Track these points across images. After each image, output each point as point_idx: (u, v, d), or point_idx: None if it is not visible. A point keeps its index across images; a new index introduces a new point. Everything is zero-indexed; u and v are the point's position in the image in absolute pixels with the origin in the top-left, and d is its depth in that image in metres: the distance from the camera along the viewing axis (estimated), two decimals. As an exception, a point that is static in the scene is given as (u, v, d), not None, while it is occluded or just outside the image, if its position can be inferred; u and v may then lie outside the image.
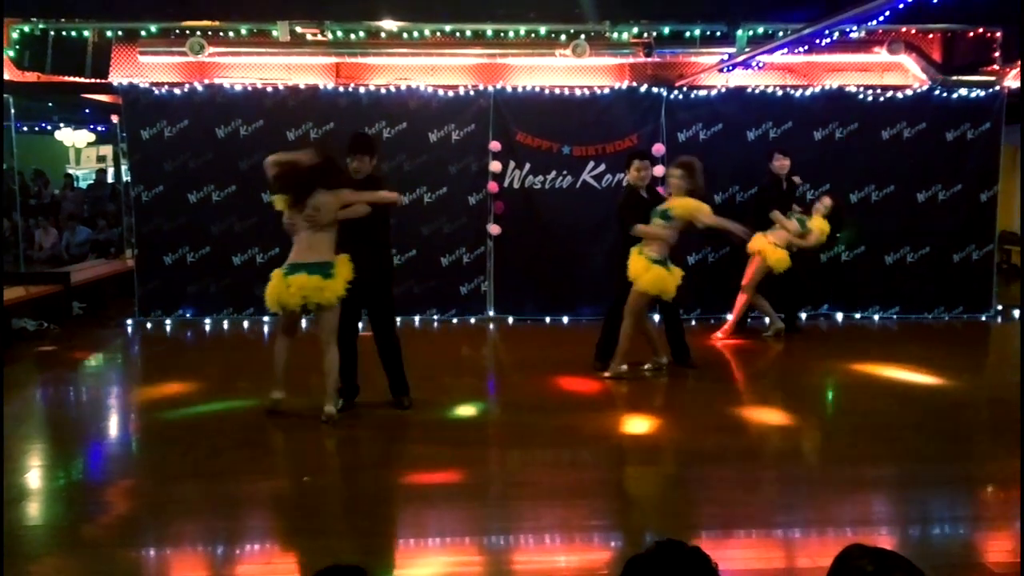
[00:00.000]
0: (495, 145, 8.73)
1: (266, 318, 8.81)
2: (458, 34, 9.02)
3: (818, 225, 7.94)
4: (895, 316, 9.06)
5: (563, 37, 8.94)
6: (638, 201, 6.59)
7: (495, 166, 8.74)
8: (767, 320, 8.11)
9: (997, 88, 8.88)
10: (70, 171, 17.75)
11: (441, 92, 8.72)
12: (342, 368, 5.61)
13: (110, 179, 16.49)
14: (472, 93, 8.74)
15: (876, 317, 9.05)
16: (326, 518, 4.22)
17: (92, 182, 16.97)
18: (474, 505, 4.30)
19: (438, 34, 9.05)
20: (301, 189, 5.29)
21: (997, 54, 9.19)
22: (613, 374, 6.54)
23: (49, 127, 16.49)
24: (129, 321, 8.87)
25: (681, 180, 6.42)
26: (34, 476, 4.67)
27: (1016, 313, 9.27)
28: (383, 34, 9.01)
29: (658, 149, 8.66)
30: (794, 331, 8.22)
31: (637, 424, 5.57)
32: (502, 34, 9.02)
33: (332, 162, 5.45)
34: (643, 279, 6.27)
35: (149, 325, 8.78)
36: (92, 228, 13.44)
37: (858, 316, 9.05)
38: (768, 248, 7.78)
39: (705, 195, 6.54)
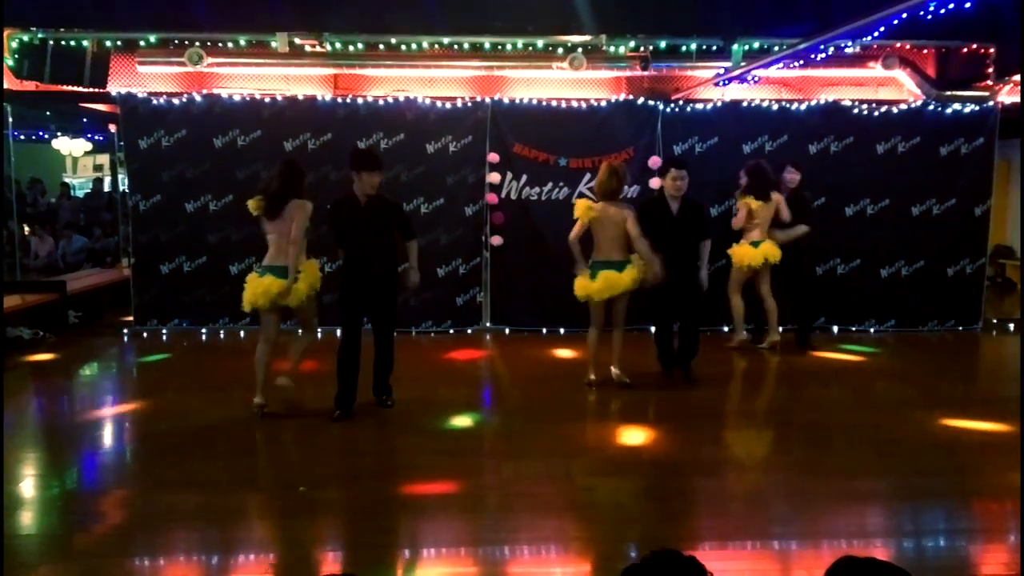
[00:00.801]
0: (493, 157, 8.76)
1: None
2: (456, 46, 9.09)
3: (740, 200, 7.82)
4: (891, 329, 9.10)
5: (560, 50, 9.01)
6: (656, 209, 6.64)
7: (493, 177, 8.77)
8: (765, 329, 8.13)
9: (991, 103, 8.95)
10: (67, 180, 17.76)
11: (439, 104, 8.76)
12: (343, 377, 5.80)
13: (107, 188, 16.49)
14: (470, 105, 8.78)
15: (872, 330, 9.08)
16: (322, 528, 4.21)
17: (89, 191, 16.98)
18: (470, 516, 4.30)
19: (436, 46, 9.11)
20: (275, 200, 5.64)
21: (991, 70, 9.27)
22: (587, 381, 6.71)
23: (46, 136, 16.48)
24: (125, 330, 8.87)
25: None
26: (28, 485, 4.66)
27: (1010, 326, 9.34)
28: (381, 46, 9.06)
29: (655, 162, 8.70)
30: (806, 346, 8.17)
31: (633, 435, 5.58)
32: (500, 47, 9.08)
33: (295, 166, 5.82)
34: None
35: (145, 334, 8.77)
36: (88, 237, 13.44)
37: (854, 329, 9.08)
38: (734, 251, 7.84)
39: (624, 196, 6.65)
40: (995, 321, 9.39)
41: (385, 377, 6.07)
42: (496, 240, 8.83)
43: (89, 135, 16.43)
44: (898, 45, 9.19)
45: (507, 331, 8.98)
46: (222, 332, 8.86)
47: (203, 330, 8.87)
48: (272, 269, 5.63)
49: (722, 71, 8.87)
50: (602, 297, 6.38)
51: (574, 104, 8.81)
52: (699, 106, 8.91)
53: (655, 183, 8.67)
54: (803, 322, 8.29)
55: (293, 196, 5.64)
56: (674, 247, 6.51)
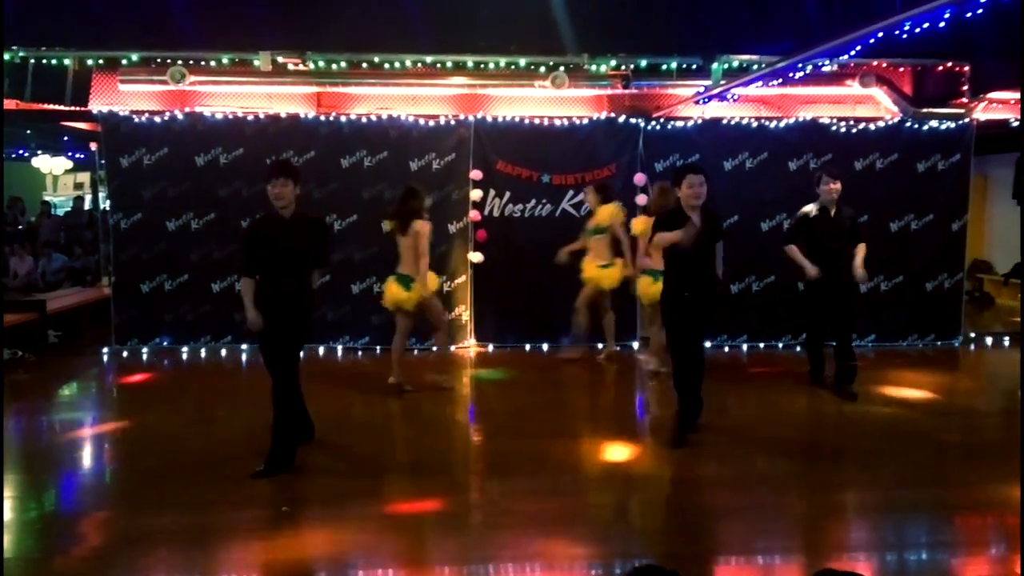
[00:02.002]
0: (476, 174, 8.80)
1: (244, 346, 8.78)
2: (439, 65, 9.13)
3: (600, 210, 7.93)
4: (871, 344, 9.17)
5: (543, 69, 9.07)
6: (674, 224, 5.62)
7: (475, 194, 8.80)
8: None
9: (967, 120, 9.10)
10: (47, 198, 17.62)
11: (422, 122, 8.79)
12: (288, 412, 5.17)
13: (87, 206, 16.38)
14: (453, 123, 8.82)
15: (853, 345, 9.11)
16: (305, 549, 4.18)
17: (69, 209, 16.85)
18: (454, 534, 4.28)
19: (419, 65, 9.15)
20: (401, 220, 6.72)
21: (965, 87, 9.43)
22: (652, 369, 7.57)
23: (26, 154, 16.38)
24: (105, 349, 8.78)
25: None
26: (5, 507, 4.59)
27: (989, 340, 9.46)
28: (364, 64, 9.09)
29: (639, 179, 8.78)
30: (851, 394, 6.93)
31: (617, 451, 5.59)
32: (483, 65, 9.14)
33: (414, 191, 6.81)
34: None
35: (126, 353, 8.70)
36: (68, 256, 13.31)
37: (834, 344, 9.12)
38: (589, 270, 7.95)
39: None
40: (972, 335, 9.50)
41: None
42: (477, 257, 8.85)
43: (70, 153, 16.35)
44: (875, 63, 9.33)
45: (491, 348, 8.98)
46: (204, 351, 8.80)
47: (184, 349, 8.81)
48: (400, 277, 6.82)
49: (702, 89, 8.96)
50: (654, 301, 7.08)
51: (556, 122, 8.88)
52: (680, 124, 9.00)
53: (641, 200, 8.74)
54: (850, 364, 6.97)
55: (414, 216, 6.67)
56: (696, 264, 5.65)
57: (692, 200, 5.63)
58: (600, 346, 8.42)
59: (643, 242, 7.36)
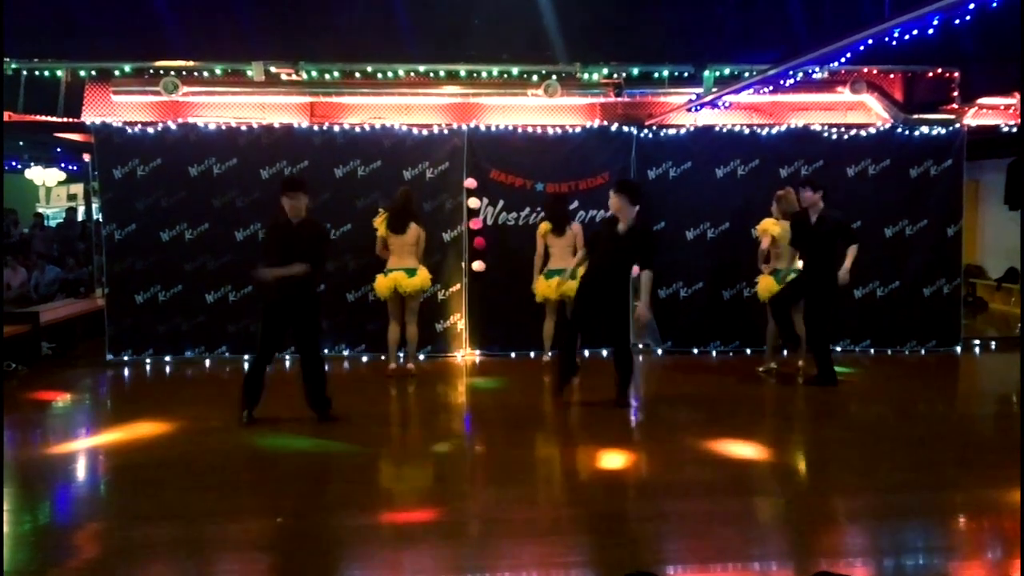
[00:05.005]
0: (470, 183, 8.81)
1: (238, 356, 8.76)
2: (432, 74, 9.16)
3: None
4: (866, 350, 9.18)
5: (535, 78, 9.12)
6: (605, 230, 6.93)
7: (473, 203, 8.81)
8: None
9: (957, 126, 9.14)
10: (40, 210, 17.60)
11: (415, 131, 8.81)
12: (249, 388, 6.24)
13: (80, 218, 16.36)
14: (446, 132, 8.84)
15: (839, 348, 9.08)
16: (300, 559, 4.16)
17: (62, 221, 16.82)
18: (450, 543, 4.27)
19: (412, 74, 9.18)
20: (558, 224, 8.21)
21: (955, 93, 9.50)
22: (764, 369, 8.07)
23: (19, 166, 16.34)
24: (99, 361, 8.75)
25: None
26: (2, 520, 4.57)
27: (979, 343, 9.48)
28: (357, 74, 9.12)
29: (631, 187, 8.82)
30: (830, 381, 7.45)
31: (611, 459, 5.58)
32: (475, 74, 9.17)
33: (565, 196, 8.42)
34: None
35: (119, 364, 8.67)
36: (61, 267, 13.28)
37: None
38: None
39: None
40: (964, 339, 9.50)
41: (321, 390, 6.27)
42: (479, 265, 8.86)
43: (63, 165, 16.31)
44: (865, 70, 9.39)
45: (487, 356, 8.97)
46: (199, 362, 8.78)
47: (178, 360, 8.78)
48: (561, 271, 7.81)
49: (694, 97, 9.01)
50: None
51: (550, 130, 8.90)
52: (672, 131, 9.03)
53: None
54: (825, 356, 7.45)
55: (570, 220, 8.19)
56: (605, 269, 6.71)
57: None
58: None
59: (765, 242, 7.71)
